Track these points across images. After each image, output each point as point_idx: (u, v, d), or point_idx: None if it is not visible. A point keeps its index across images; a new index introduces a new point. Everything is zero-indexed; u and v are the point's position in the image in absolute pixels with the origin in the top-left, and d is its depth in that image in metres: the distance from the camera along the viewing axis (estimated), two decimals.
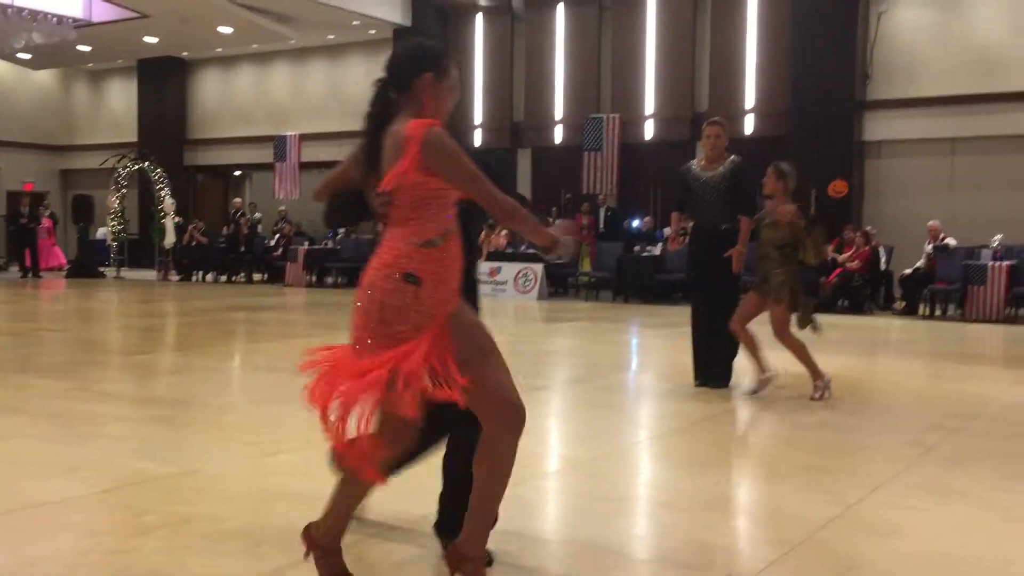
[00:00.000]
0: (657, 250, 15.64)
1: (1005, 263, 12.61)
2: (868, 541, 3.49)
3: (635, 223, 17.61)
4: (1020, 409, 6.31)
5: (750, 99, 17.35)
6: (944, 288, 13.18)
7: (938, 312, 13.36)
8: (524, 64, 19.60)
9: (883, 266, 14.19)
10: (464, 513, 2.85)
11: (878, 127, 16.04)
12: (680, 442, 5.36)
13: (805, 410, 6.15)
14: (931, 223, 13.80)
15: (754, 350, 6.48)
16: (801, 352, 6.43)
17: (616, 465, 4.73)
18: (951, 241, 13.57)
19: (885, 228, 15.17)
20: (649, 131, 18.39)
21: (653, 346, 10.26)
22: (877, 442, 5.32)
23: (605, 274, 15.75)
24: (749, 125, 17.31)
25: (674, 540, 3.62)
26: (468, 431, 2.90)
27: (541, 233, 2.80)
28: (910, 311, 13.44)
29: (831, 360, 8.52)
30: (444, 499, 3.35)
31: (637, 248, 15.78)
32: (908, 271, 13.75)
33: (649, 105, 18.32)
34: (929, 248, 13.61)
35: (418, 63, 2.87)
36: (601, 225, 17.67)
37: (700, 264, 6.79)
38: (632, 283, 15.12)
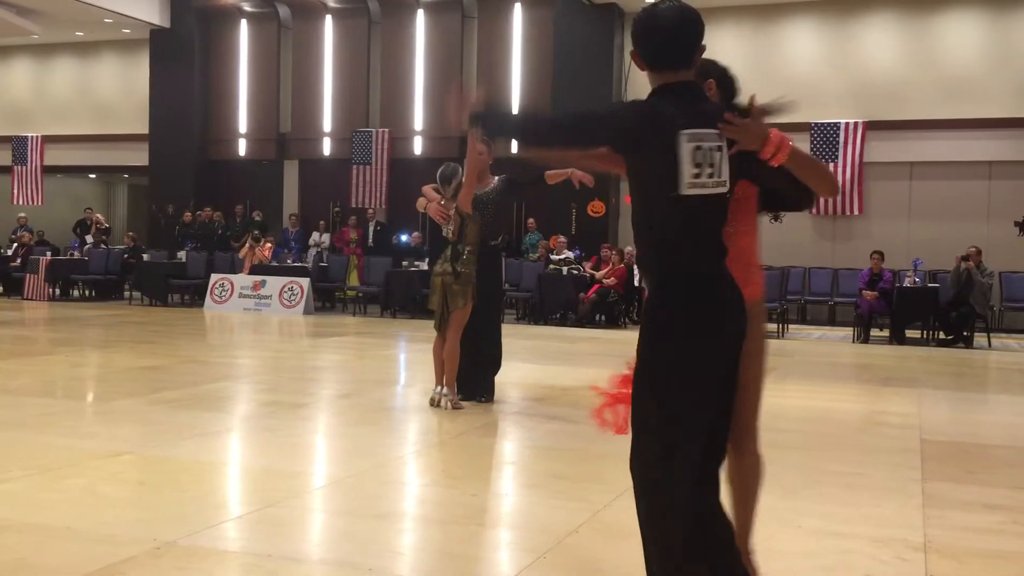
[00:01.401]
0: (425, 265, 15.76)
1: None
2: (612, 544, 3.69)
3: (404, 238, 17.69)
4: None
5: None
6: None
7: None
8: (291, 74, 19.22)
9: (636, 283, 15.04)
10: None
11: None
12: (441, 456, 5.43)
13: (559, 421, 6.41)
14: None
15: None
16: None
17: (377, 481, 4.72)
18: None
19: None
20: (418, 147, 18.54)
21: (420, 361, 10.31)
22: (624, 450, 5.62)
23: (373, 288, 15.69)
24: (514, 145, 17.81)
25: (430, 554, 3.67)
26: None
27: None
28: None
29: (587, 373, 8.94)
30: None
31: (406, 263, 15.84)
32: None
33: (418, 121, 18.48)
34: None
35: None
36: (370, 239, 17.62)
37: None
38: (400, 298, 15.15)
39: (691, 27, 2.63)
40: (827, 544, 3.81)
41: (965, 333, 12.84)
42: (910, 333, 13.18)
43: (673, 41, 2.61)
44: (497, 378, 7.09)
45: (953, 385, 9.20)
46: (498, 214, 7.04)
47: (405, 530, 3.98)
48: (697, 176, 2.50)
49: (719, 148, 2.52)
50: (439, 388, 6.64)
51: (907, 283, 13.35)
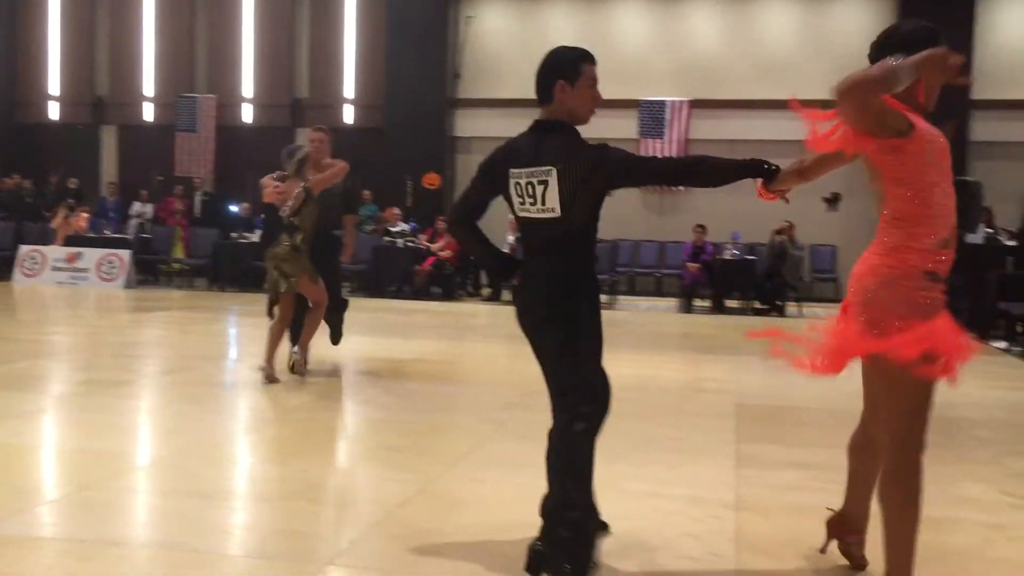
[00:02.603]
0: (256, 236, 15.32)
1: None
2: (442, 514, 3.74)
3: (233, 208, 17.11)
4: None
5: (349, 89, 17.60)
6: None
7: None
8: (108, 33, 18.16)
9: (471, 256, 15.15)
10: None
11: (467, 124, 17.07)
12: (271, 432, 5.32)
13: (393, 395, 6.41)
14: (512, 215, 14.96)
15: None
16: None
17: (203, 460, 4.58)
18: None
19: None
20: (248, 115, 17.94)
21: (250, 335, 10.05)
22: (457, 421, 5.71)
23: (200, 261, 15.12)
24: (349, 115, 17.56)
25: (259, 532, 3.61)
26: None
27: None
28: (495, 297, 14.50)
29: (423, 345, 8.97)
30: None
31: (235, 234, 15.35)
32: None
33: (247, 88, 17.86)
34: (511, 239, 14.76)
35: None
36: (196, 210, 16.95)
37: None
38: (229, 270, 14.68)
39: (542, 67, 3.16)
40: (648, 505, 3.99)
41: (779, 303, 13.64)
42: (729, 303, 13.89)
43: (537, 81, 3.16)
44: (332, 351, 7.04)
45: (767, 352, 9.76)
46: (346, 199, 7.27)
47: (233, 509, 3.89)
48: (522, 204, 3.12)
49: (543, 183, 3.05)
50: (267, 366, 6.43)
51: (727, 255, 14.04)
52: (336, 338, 7.32)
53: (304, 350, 6.68)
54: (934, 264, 2.72)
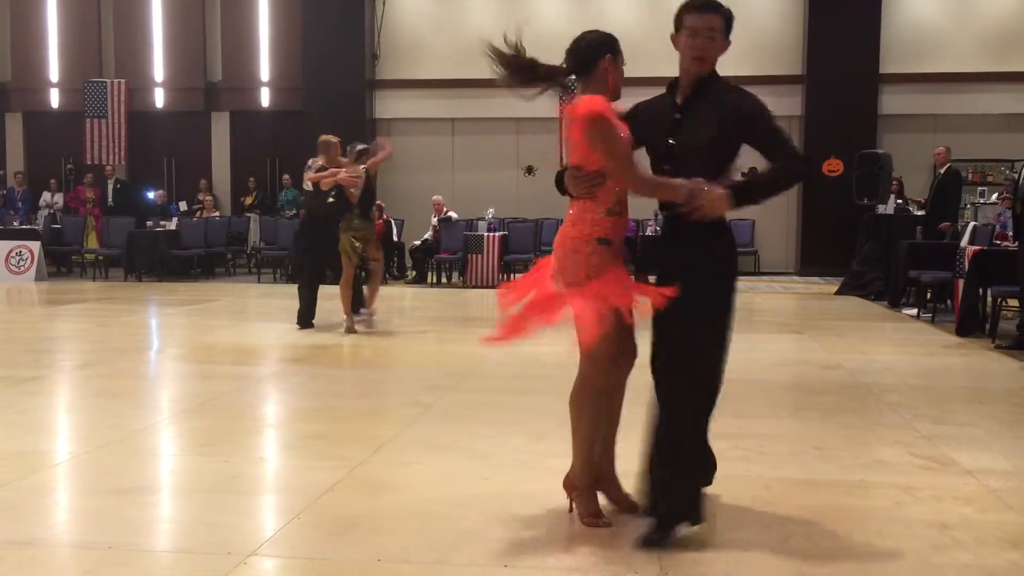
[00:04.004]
0: (173, 224, 14.98)
1: (498, 234, 14.07)
2: (368, 499, 3.72)
3: (150, 195, 16.69)
4: (506, 365, 7.10)
5: (265, 72, 17.27)
6: (448, 257, 14.36)
7: (444, 280, 14.54)
8: (9, 15, 17.46)
9: (396, 238, 15.04)
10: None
11: (387, 106, 16.90)
12: (192, 423, 5.22)
13: (319, 380, 6.35)
14: (435, 198, 14.90)
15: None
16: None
17: (121, 455, 4.48)
18: (453, 214, 14.79)
19: (396, 202, 16.08)
20: (160, 99, 17.47)
21: (170, 325, 9.84)
22: (382, 405, 5.68)
23: (115, 251, 14.72)
24: (266, 98, 17.24)
25: (179, 525, 3.54)
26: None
27: (675, 191, 3.14)
28: (420, 280, 14.44)
29: None
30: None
31: (151, 223, 14.97)
32: (417, 243, 14.73)
33: (159, 72, 17.39)
34: (434, 221, 14.70)
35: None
36: (109, 198, 16.48)
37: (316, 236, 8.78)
38: (146, 260, 14.33)
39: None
40: None
41: None
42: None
43: None
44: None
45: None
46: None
47: (152, 503, 3.80)
48: None
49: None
50: (347, 319, 8.41)
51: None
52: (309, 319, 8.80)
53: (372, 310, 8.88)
54: (603, 231, 3.33)
